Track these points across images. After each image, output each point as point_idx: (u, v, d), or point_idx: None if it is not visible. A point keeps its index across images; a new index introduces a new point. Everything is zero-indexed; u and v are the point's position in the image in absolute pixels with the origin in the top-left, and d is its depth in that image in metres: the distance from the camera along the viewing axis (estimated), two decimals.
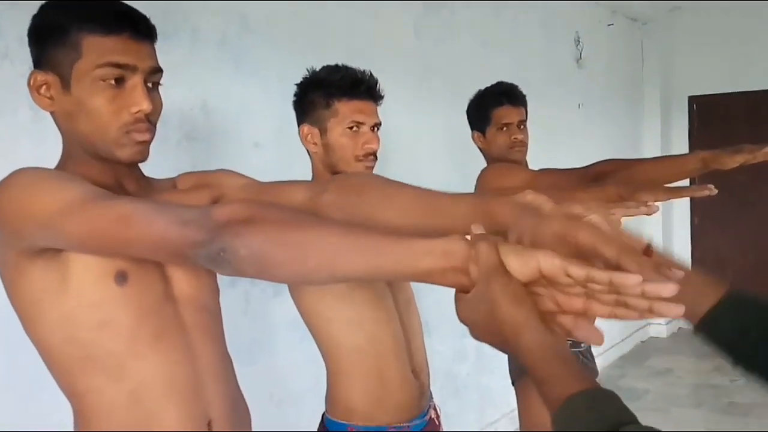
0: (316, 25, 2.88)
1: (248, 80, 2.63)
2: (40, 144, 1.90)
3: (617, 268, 0.76)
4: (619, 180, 2.04)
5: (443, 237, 0.81)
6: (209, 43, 2.48)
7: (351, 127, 1.67)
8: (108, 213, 1.01)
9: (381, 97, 1.72)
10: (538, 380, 0.75)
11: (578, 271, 0.74)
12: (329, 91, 1.66)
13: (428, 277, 0.81)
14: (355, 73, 1.68)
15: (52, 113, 1.17)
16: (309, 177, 1.75)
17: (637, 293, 0.72)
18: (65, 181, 1.07)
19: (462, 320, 0.83)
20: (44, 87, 1.13)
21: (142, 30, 1.13)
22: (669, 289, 0.70)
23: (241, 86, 2.60)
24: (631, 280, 0.71)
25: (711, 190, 1.27)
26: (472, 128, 2.54)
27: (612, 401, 0.70)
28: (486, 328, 0.79)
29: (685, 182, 3.71)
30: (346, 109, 1.66)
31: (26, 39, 1.16)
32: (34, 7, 1.15)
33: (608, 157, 2.38)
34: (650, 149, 5.88)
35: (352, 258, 0.85)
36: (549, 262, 0.75)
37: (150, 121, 1.15)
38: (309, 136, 1.71)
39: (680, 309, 0.72)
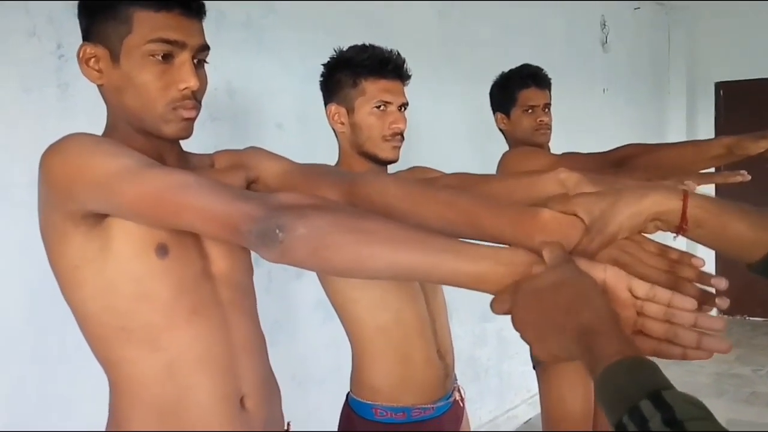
0: (339, 7, 2.87)
1: (272, 62, 2.63)
2: (68, 120, 1.93)
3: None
4: (643, 165, 2.01)
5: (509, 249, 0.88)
6: (234, 24, 2.49)
7: (378, 107, 1.66)
8: (167, 179, 1.02)
9: (408, 77, 1.72)
10: (594, 335, 0.73)
11: (642, 286, 0.79)
12: (356, 71, 1.66)
13: (483, 280, 0.85)
14: (382, 52, 1.67)
15: (99, 86, 1.17)
16: (332, 158, 1.75)
17: (691, 321, 0.77)
18: (121, 147, 1.07)
19: (518, 309, 0.81)
20: (93, 60, 1.13)
21: (193, 7, 1.14)
22: (723, 283, 0.74)
23: (265, 68, 2.61)
24: (689, 303, 0.77)
25: (744, 176, 1.24)
26: (495, 110, 2.52)
27: (650, 368, 0.70)
28: (551, 319, 0.77)
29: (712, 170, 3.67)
30: (373, 89, 1.66)
31: (53, 17, 1.17)
32: None
33: (633, 142, 2.35)
34: (675, 136, 5.79)
35: (413, 250, 0.87)
36: (615, 275, 0.81)
37: (196, 98, 1.16)
38: (336, 115, 1.70)
39: (728, 345, 0.76)
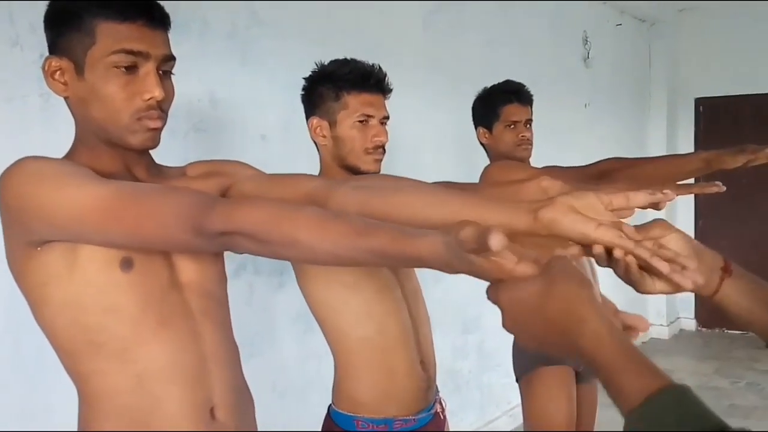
0: (324, 18, 2.88)
1: (256, 73, 2.63)
2: (50, 131, 1.91)
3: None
4: (623, 178, 2.04)
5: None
6: (218, 35, 2.49)
7: (361, 120, 1.68)
8: (116, 191, 1.04)
9: (390, 91, 1.73)
10: (609, 369, 0.70)
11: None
12: (339, 84, 1.67)
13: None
14: (364, 66, 1.69)
15: (65, 99, 1.18)
16: (315, 170, 1.76)
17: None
18: (67, 175, 1.08)
19: (507, 308, 0.79)
20: (58, 72, 1.14)
21: (157, 17, 1.14)
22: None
23: (249, 79, 2.61)
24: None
25: (719, 186, 1.26)
26: (477, 124, 2.54)
27: (697, 402, 0.66)
28: (539, 319, 0.76)
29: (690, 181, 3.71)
30: (355, 102, 1.67)
31: (36, 26, 1.17)
32: None
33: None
34: (656, 150, 5.86)
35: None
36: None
37: (162, 108, 1.16)
38: (318, 128, 1.71)
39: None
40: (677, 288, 0.86)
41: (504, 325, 0.80)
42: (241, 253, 0.98)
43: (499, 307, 0.78)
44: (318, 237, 0.87)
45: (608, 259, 0.88)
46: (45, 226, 1.06)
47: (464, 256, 0.70)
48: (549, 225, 0.85)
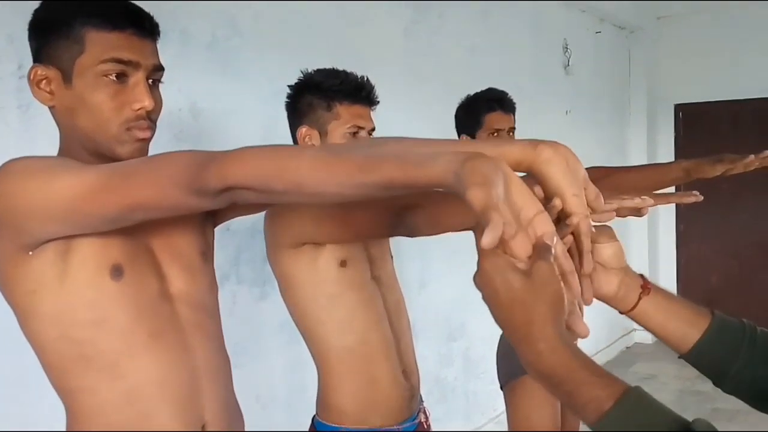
0: (305, 28, 2.88)
1: (237, 82, 2.62)
2: (29, 143, 1.90)
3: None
4: (604, 187, 2.05)
5: None
6: (198, 45, 2.48)
7: (352, 131, 1.68)
8: (106, 169, 1.01)
9: (377, 103, 1.74)
10: (571, 384, 0.75)
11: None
12: (330, 95, 1.67)
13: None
14: (355, 78, 1.70)
15: (51, 108, 1.15)
16: None
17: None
18: (55, 167, 1.05)
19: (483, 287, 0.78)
20: (44, 81, 1.12)
21: (146, 27, 1.13)
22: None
23: (230, 88, 2.60)
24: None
25: (696, 196, 1.29)
26: (460, 132, 2.55)
27: (653, 399, 0.73)
28: (506, 316, 0.77)
29: (671, 189, 3.75)
30: (347, 114, 1.67)
31: (14, 38, 1.15)
32: (22, 6, 1.14)
33: (595, 164, 2.39)
34: (636, 156, 5.91)
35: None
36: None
37: (151, 118, 1.15)
38: (307, 137, 1.71)
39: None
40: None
41: (474, 282, 0.78)
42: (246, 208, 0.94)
43: (478, 269, 0.77)
44: (323, 180, 0.83)
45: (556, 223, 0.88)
46: (38, 222, 1.03)
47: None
48: (541, 162, 0.80)
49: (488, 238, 0.63)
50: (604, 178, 2.14)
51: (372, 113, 1.74)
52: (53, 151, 1.15)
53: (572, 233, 0.85)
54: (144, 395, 1.13)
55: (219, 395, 1.24)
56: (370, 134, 1.72)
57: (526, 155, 0.79)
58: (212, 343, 1.26)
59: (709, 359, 0.99)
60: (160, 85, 1.20)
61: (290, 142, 1.75)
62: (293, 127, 1.74)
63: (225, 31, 2.58)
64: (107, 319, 1.11)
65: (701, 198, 1.30)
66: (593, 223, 0.88)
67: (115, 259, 1.11)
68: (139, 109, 1.12)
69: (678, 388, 4.93)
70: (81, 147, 1.15)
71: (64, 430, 1.17)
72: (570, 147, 0.83)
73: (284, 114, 1.77)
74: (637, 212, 1.06)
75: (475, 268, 0.76)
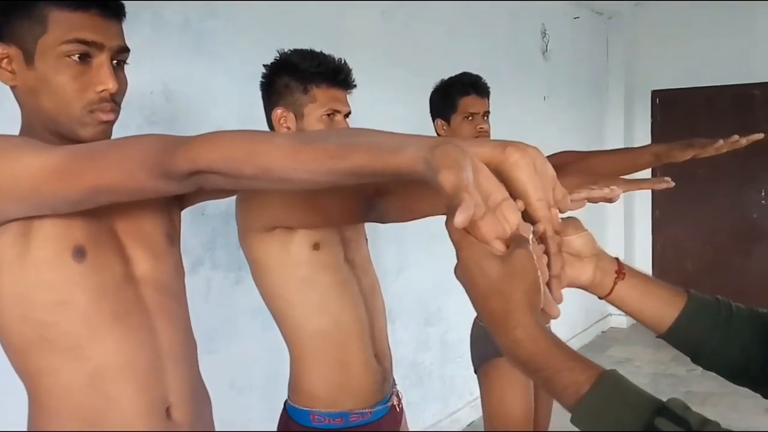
0: (280, 9, 2.85)
1: (210, 64, 2.59)
2: None
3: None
4: (576, 171, 2.06)
5: None
6: (171, 26, 2.44)
7: (328, 114, 1.66)
8: (74, 149, 1.00)
9: (354, 87, 1.72)
10: (549, 370, 0.76)
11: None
12: (307, 76, 1.65)
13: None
14: (333, 60, 1.68)
15: (12, 88, 1.14)
16: None
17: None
18: (20, 146, 1.03)
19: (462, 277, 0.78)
20: (6, 60, 1.10)
21: (111, 8, 1.12)
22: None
23: (203, 70, 2.57)
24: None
25: (668, 182, 1.30)
26: (435, 116, 2.54)
27: (628, 381, 0.74)
28: (482, 302, 0.77)
29: (647, 174, 3.77)
30: (324, 97, 1.65)
31: None
32: None
33: (572, 149, 2.40)
34: (614, 141, 5.95)
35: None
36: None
37: (115, 101, 1.13)
38: (283, 119, 1.69)
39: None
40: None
41: (455, 274, 0.78)
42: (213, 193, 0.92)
43: (458, 261, 0.77)
44: (292, 166, 0.83)
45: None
46: (3, 201, 1.01)
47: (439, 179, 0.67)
48: (509, 164, 0.78)
49: (461, 217, 0.63)
50: (575, 162, 2.15)
51: (348, 96, 1.73)
52: (15, 130, 1.13)
53: (539, 237, 0.84)
54: (107, 377, 1.13)
55: (184, 377, 1.23)
56: (346, 117, 1.71)
57: (494, 156, 0.78)
58: (177, 326, 1.25)
59: (686, 337, 1.01)
60: (129, 66, 1.18)
61: (266, 125, 1.73)
62: (268, 108, 1.72)
63: (198, 12, 2.54)
64: (69, 301, 1.10)
65: (673, 184, 1.31)
66: (560, 216, 0.87)
67: (77, 240, 1.09)
68: (102, 91, 1.10)
69: (652, 371, 4.99)
70: (43, 128, 1.13)
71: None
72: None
73: (260, 97, 1.74)
74: (608, 200, 1.06)
75: (453, 254, 0.76)
